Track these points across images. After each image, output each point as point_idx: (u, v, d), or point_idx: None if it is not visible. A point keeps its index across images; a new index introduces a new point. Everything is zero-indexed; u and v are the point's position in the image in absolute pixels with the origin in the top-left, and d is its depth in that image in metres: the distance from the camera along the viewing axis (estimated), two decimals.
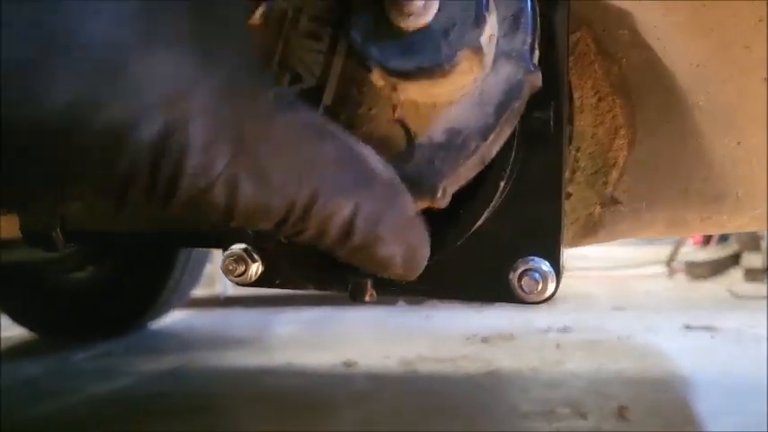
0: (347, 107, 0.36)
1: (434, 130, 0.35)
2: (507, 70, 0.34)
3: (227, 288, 2.34)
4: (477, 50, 0.33)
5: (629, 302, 2.12)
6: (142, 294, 1.78)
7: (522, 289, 0.37)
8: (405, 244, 0.32)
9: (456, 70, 0.33)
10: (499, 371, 1.35)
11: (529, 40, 0.35)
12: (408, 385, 1.30)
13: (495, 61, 0.35)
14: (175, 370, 1.49)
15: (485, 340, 1.57)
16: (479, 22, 0.33)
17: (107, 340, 1.77)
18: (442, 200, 0.34)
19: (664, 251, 2.89)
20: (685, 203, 0.49)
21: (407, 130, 0.35)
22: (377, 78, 0.34)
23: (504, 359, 1.42)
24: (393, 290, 0.39)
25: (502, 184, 0.37)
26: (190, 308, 2.16)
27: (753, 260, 2.44)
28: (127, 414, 1.19)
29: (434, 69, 0.33)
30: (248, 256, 0.41)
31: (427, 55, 0.33)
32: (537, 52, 0.36)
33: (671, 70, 0.46)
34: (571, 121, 0.45)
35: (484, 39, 0.33)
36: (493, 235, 0.37)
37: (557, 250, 0.37)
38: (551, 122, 0.37)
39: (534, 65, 0.35)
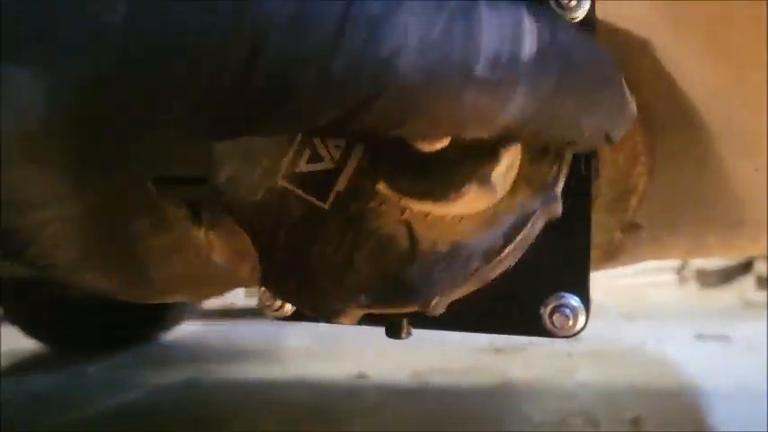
0: (359, 198, 0.36)
1: (440, 241, 0.35)
2: (525, 197, 0.35)
3: (239, 299, 2.34)
4: (486, 185, 0.32)
5: (639, 311, 2.11)
6: (153, 306, 1.78)
7: (554, 324, 0.38)
8: None
9: (462, 200, 0.33)
10: (511, 381, 1.34)
11: (554, 170, 0.35)
12: (420, 397, 1.30)
13: (514, 184, 0.34)
14: (187, 382, 1.50)
15: (497, 351, 1.56)
16: (495, 155, 0.32)
17: (118, 352, 1.78)
18: (435, 311, 0.35)
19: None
20: (706, 228, 0.49)
21: (412, 234, 0.35)
22: (383, 188, 0.35)
23: (516, 370, 1.42)
24: (428, 324, 0.39)
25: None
26: (201, 319, 2.16)
27: (764, 268, 2.42)
28: (137, 427, 1.20)
29: (439, 197, 0.33)
30: None
31: (435, 182, 0.33)
32: (563, 178, 0.35)
33: (690, 96, 0.46)
34: (597, 155, 0.45)
35: (498, 172, 0.32)
36: (524, 271, 0.37)
37: (586, 285, 0.38)
38: (584, 166, 0.38)
39: (555, 194, 0.35)
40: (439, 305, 0.35)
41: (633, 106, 0.30)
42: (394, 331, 0.39)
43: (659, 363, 1.46)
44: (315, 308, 0.37)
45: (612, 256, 0.50)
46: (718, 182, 0.48)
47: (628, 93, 0.30)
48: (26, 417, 1.30)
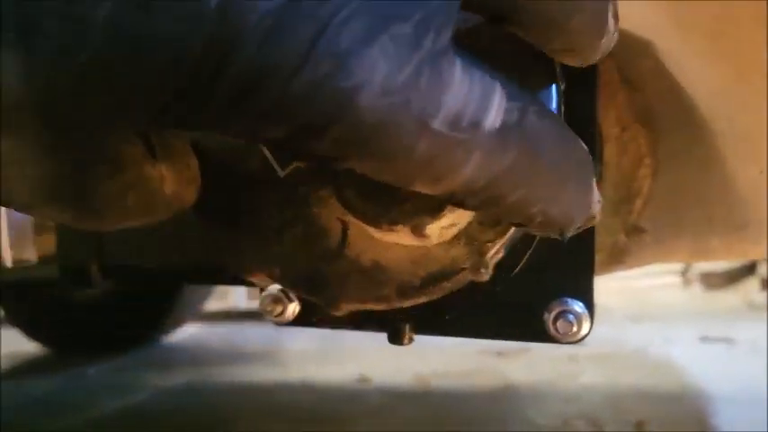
0: (313, 182, 0.36)
1: (365, 254, 0.36)
2: (459, 254, 0.35)
3: (241, 301, 2.34)
4: (418, 233, 0.32)
5: (643, 313, 2.11)
6: (155, 308, 1.79)
7: (557, 330, 0.38)
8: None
9: (392, 234, 0.33)
10: (514, 385, 1.34)
11: (498, 242, 0.35)
12: (422, 400, 1.29)
13: (455, 237, 0.35)
14: (188, 385, 1.49)
15: (499, 354, 1.56)
16: (439, 211, 0.32)
17: (120, 355, 1.78)
18: (337, 313, 0.36)
19: None
20: (709, 231, 0.49)
21: (345, 236, 0.36)
22: (326, 193, 0.35)
23: (519, 373, 1.41)
24: (432, 331, 0.39)
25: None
26: (203, 321, 2.16)
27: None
28: (139, 430, 1.20)
29: (371, 223, 0.33)
30: (285, 296, 0.42)
31: (375, 207, 0.32)
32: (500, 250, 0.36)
33: (693, 98, 0.45)
34: (601, 158, 0.45)
35: (436, 225, 0.32)
36: (528, 277, 0.37)
37: (590, 291, 0.38)
38: None
39: (486, 264, 0.35)
40: (343, 310, 0.36)
41: (597, 207, 0.29)
42: (396, 338, 0.39)
43: (663, 365, 1.46)
44: (230, 261, 0.38)
45: (616, 259, 0.50)
46: (722, 184, 0.47)
47: (596, 194, 0.29)
48: (27, 419, 1.30)
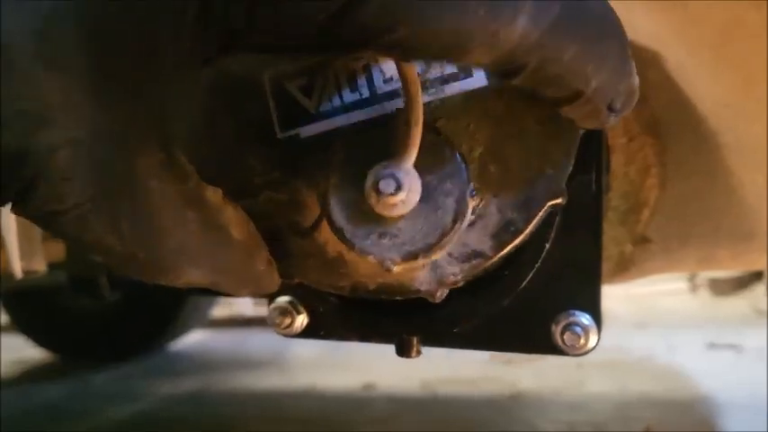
0: (310, 156, 0.36)
1: (330, 244, 0.36)
2: (416, 275, 0.36)
3: (247, 309, 2.34)
4: (385, 267, 0.33)
5: (651, 320, 2.10)
6: (161, 315, 1.79)
7: (565, 342, 0.38)
8: None
9: (397, 269, 0.34)
10: (521, 392, 1.34)
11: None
12: (429, 408, 1.29)
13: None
14: (195, 392, 1.50)
15: (506, 361, 1.55)
16: (407, 258, 0.33)
17: (127, 362, 1.78)
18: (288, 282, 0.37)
19: None
20: (716, 241, 0.49)
21: (319, 221, 0.36)
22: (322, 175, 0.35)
23: (526, 380, 1.41)
24: (440, 343, 0.39)
25: (547, 245, 0.38)
26: (209, 328, 2.16)
27: None
28: None
29: (344, 243, 0.34)
30: (293, 308, 0.42)
31: (379, 251, 0.33)
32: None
33: (700, 109, 0.45)
34: (608, 168, 0.45)
35: (402, 267, 0.33)
36: (536, 290, 0.38)
37: (597, 303, 0.38)
38: (593, 183, 0.37)
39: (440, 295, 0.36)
40: (293, 282, 0.38)
41: (636, 79, 0.30)
42: (404, 349, 0.40)
43: (670, 372, 1.45)
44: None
45: (623, 269, 0.50)
46: (729, 194, 0.47)
47: (633, 64, 0.29)
48: (32, 426, 1.30)
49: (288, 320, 0.42)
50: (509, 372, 1.48)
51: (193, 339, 2.02)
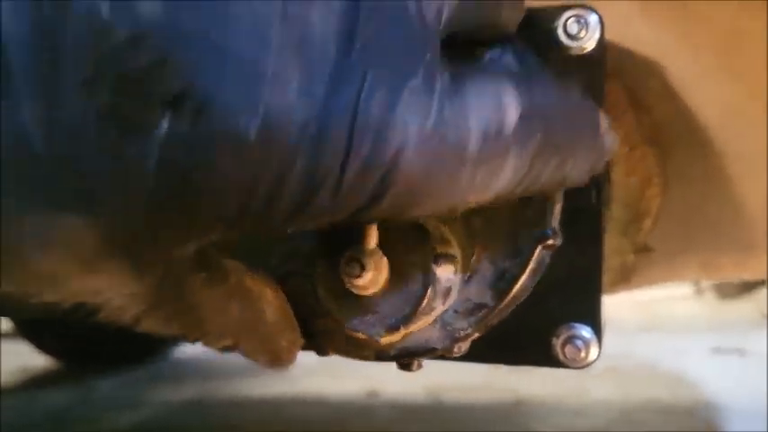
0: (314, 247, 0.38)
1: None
2: (430, 335, 0.37)
3: None
4: (372, 340, 0.36)
5: (655, 324, 2.09)
6: None
7: (565, 355, 0.38)
8: None
9: (384, 341, 0.36)
10: (524, 399, 1.33)
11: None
12: (432, 414, 1.29)
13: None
14: (199, 399, 1.49)
15: (510, 368, 1.55)
16: (390, 330, 0.35)
17: (131, 369, 1.78)
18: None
19: None
20: (718, 250, 0.49)
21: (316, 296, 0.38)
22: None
23: (530, 386, 1.40)
24: (441, 356, 0.39)
25: (548, 259, 0.38)
26: None
27: None
28: None
29: (365, 338, 0.36)
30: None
31: (365, 327, 0.35)
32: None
33: (701, 117, 0.45)
34: (609, 178, 0.45)
35: (388, 339, 0.35)
36: (536, 302, 0.38)
37: (598, 316, 0.38)
38: (594, 195, 0.38)
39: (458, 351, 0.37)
40: (330, 355, 0.41)
41: (609, 138, 0.31)
42: (405, 364, 0.39)
43: (675, 378, 1.45)
44: None
45: (625, 278, 0.50)
46: (731, 203, 0.47)
47: (605, 125, 0.30)
48: None
49: None
50: (513, 379, 1.47)
51: (196, 346, 2.01)
